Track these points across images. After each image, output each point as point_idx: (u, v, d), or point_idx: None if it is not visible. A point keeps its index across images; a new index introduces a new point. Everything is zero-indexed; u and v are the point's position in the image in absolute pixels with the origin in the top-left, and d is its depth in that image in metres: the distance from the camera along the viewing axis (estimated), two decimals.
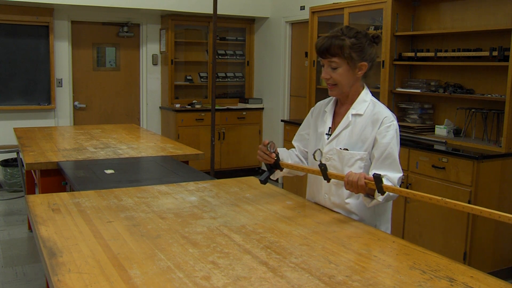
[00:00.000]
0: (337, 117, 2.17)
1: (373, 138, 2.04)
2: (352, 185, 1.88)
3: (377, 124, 2.04)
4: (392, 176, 1.97)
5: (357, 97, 2.11)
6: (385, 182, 1.91)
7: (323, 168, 1.95)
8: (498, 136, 3.92)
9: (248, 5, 6.96)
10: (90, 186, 2.58)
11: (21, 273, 3.84)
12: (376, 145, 2.03)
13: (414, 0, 4.69)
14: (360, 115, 2.08)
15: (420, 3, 4.68)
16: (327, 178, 1.96)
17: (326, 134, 2.16)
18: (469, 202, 3.62)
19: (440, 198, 1.66)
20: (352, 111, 2.10)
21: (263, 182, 2.19)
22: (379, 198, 1.92)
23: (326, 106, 2.24)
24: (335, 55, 2.02)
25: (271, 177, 2.21)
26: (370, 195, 1.97)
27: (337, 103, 2.21)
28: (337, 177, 1.95)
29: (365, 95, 2.12)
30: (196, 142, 6.66)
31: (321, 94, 5.69)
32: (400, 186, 2.04)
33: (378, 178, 1.80)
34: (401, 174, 2.00)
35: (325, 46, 2.02)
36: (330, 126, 2.16)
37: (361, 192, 1.90)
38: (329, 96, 2.24)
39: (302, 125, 2.35)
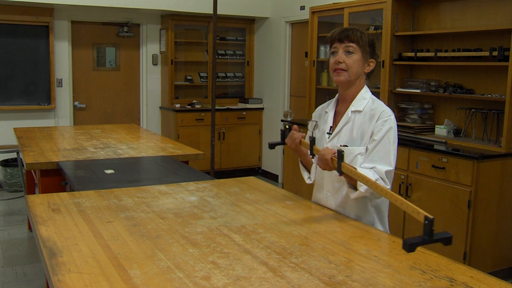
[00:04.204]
0: (338, 116, 2.20)
1: (370, 132, 2.06)
2: (322, 160, 1.90)
3: (374, 119, 2.06)
4: (380, 168, 1.97)
5: (358, 94, 2.14)
6: (372, 174, 1.93)
7: (311, 141, 1.97)
8: (498, 136, 3.91)
9: (248, 5, 6.96)
10: (90, 186, 2.58)
11: (21, 273, 3.84)
12: (372, 137, 2.05)
13: (414, 0, 4.69)
14: (359, 111, 2.11)
15: (420, 3, 4.68)
16: (312, 153, 1.98)
17: (327, 133, 2.18)
18: (469, 202, 3.62)
19: (373, 181, 1.74)
20: (351, 108, 2.13)
21: (271, 147, 2.22)
22: (361, 188, 1.93)
23: (327, 107, 2.28)
24: (353, 41, 2.08)
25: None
26: (354, 186, 1.98)
27: (337, 103, 2.23)
28: (318, 151, 1.97)
29: (365, 93, 2.15)
30: (196, 142, 6.66)
31: (321, 94, 5.69)
32: (391, 182, 2.03)
33: (339, 154, 1.80)
34: (390, 168, 1.99)
35: (347, 32, 2.09)
36: (332, 125, 2.19)
37: (327, 168, 1.92)
38: (330, 97, 2.25)
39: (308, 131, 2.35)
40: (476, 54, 4.04)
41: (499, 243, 3.82)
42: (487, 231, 3.73)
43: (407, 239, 1.55)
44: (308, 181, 2.25)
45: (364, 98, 2.13)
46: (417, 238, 1.62)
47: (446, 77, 4.48)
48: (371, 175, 1.92)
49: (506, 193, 3.78)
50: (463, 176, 3.67)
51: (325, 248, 1.68)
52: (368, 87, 2.19)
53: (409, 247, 1.52)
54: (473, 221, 3.63)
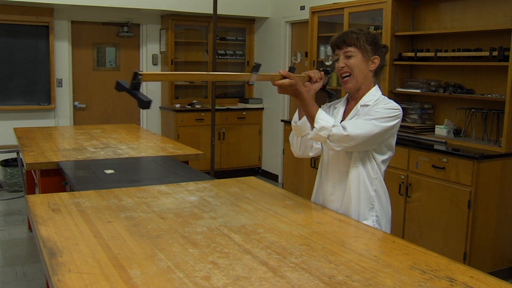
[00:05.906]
0: (347, 113, 2.22)
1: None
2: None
3: (379, 104, 2.08)
4: (346, 124, 1.98)
5: (368, 92, 2.16)
6: (333, 120, 1.99)
7: (290, 68, 2.07)
8: (498, 136, 3.92)
9: (248, 5, 6.96)
10: (90, 186, 2.58)
11: (21, 273, 3.84)
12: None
13: (414, 0, 4.69)
14: (368, 105, 2.13)
15: (420, 3, 4.68)
16: (256, 70, 1.99)
17: None
18: (469, 202, 3.62)
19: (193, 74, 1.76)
20: (361, 102, 2.16)
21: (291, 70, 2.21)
22: (316, 125, 1.98)
23: (335, 104, 2.32)
24: (351, 45, 2.12)
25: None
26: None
27: (347, 102, 2.26)
28: (265, 77, 2.05)
29: (375, 91, 2.17)
30: (196, 142, 6.66)
31: (321, 94, 5.68)
32: (356, 132, 1.97)
33: (257, 65, 1.96)
34: (347, 132, 1.95)
35: (342, 38, 2.13)
36: (342, 119, 2.21)
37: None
38: (330, 99, 2.28)
39: None
40: (476, 54, 4.04)
41: (499, 243, 3.82)
42: (487, 231, 3.73)
43: (123, 81, 1.87)
44: (293, 123, 2.22)
45: (374, 95, 2.15)
46: (128, 84, 1.93)
47: (446, 77, 4.48)
48: (331, 120, 1.97)
49: (506, 193, 3.78)
50: (463, 176, 3.67)
51: (325, 248, 1.68)
52: (379, 86, 2.20)
53: (117, 84, 1.84)
54: (473, 221, 3.63)
